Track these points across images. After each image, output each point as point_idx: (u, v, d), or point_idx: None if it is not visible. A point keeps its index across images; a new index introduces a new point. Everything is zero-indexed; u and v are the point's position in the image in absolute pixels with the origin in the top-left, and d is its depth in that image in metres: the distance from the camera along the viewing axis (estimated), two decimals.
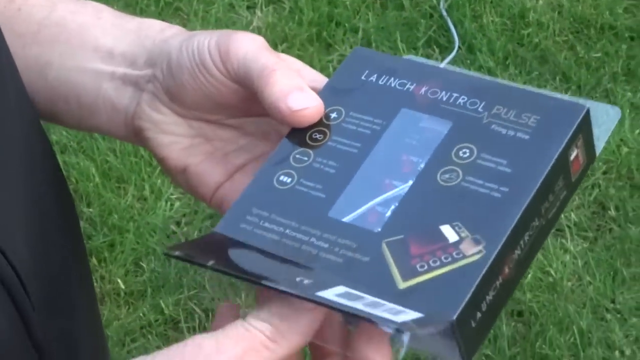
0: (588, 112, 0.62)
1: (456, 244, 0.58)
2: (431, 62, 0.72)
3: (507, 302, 0.60)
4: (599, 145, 0.64)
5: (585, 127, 0.62)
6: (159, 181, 2.22)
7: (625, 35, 2.48)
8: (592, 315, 2.01)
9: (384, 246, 0.59)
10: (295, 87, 0.65)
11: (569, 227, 2.14)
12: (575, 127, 0.61)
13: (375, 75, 0.68)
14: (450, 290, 0.56)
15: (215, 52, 0.67)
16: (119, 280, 2.10)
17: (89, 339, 0.76)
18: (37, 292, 0.64)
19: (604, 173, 2.23)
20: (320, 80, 0.69)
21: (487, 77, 0.69)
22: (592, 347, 1.97)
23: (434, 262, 0.58)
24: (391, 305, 0.56)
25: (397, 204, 0.61)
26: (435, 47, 2.47)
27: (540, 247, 0.62)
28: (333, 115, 0.66)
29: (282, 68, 0.66)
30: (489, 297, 0.58)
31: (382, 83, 0.67)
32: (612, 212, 2.17)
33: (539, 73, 2.41)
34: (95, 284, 2.08)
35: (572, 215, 2.16)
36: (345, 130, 0.66)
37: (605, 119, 0.66)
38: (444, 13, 2.53)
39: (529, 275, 2.04)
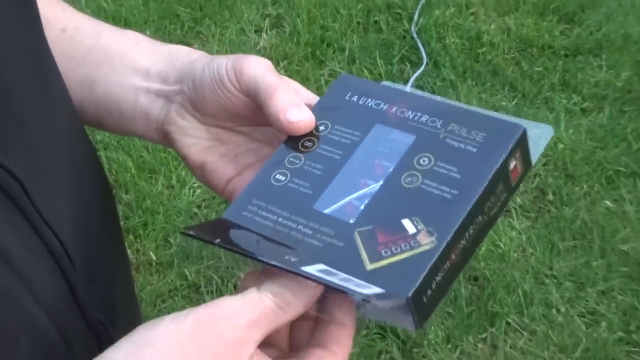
0: (524, 131, 0.63)
1: (414, 235, 0.59)
2: (401, 87, 0.73)
3: (454, 281, 0.61)
4: (535, 156, 0.65)
5: (522, 143, 0.63)
6: (184, 173, 2.22)
7: (561, 53, 2.48)
8: (533, 280, 2.02)
9: (356, 234, 0.60)
10: (293, 103, 0.67)
11: (515, 208, 2.15)
12: (513, 143, 0.62)
13: (356, 97, 0.69)
14: (408, 273, 0.57)
15: (232, 72, 0.68)
16: (151, 253, 2.10)
17: (124, 302, 0.76)
18: (80, 263, 0.64)
19: (544, 165, 2.23)
20: (313, 98, 0.70)
21: (447, 101, 0.70)
22: (534, 306, 1.98)
23: (396, 249, 0.59)
24: (359, 281, 0.57)
25: (369, 200, 0.62)
26: (407, 63, 2.47)
27: (483, 238, 0.62)
28: (321, 127, 0.67)
29: (283, 87, 0.67)
30: (438, 278, 0.58)
31: (362, 103, 0.68)
32: (550, 197, 2.18)
33: (492, 84, 2.42)
34: (131, 256, 2.08)
35: (518, 199, 2.17)
36: (330, 140, 0.67)
37: (540, 137, 0.67)
38: (415, 35, 2.53)
39: (483, 248, 2.05)
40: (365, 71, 2.41)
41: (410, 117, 0.66)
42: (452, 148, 0.63)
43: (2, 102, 0.59)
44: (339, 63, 2.46)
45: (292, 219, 0.63)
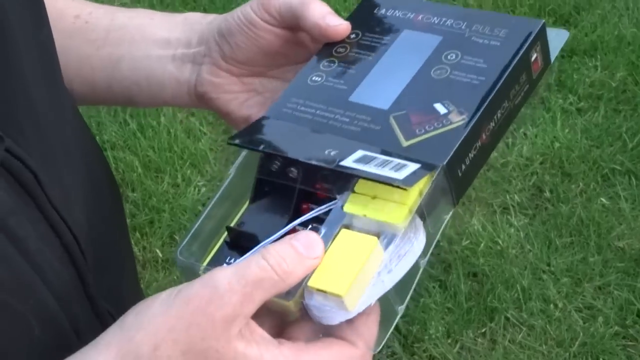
0: (544, 24, 0.66)
1: (445, 115, 0.62)
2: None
3: (485, 163, 0.64)
4: (552, 56, 0.68)
5: (541, 36, 0.66)
6: (189, 172, 2.22)
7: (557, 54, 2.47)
8: (531, 275, 2.01)
9: (391, 118, 0.63)
10: (329, 12, 0.69)
11: (513, 206, 2.14)
12: (534, 35, 0.65)
13: (383, 10, 0.71)
14: (442, 145, 0.60)
15: (259, 8, 0.70)
16: (157, 250, 2.09)
17: (132, 294, 0.76)
18: (91, 255, 0.64)
19: (541, 163, 2.23)
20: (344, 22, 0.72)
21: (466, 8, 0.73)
22: (532, 301, 1.97)
23: (429, 127, 0.61)
24: (397, 160, 0.59)
25: (401, 90, 0.64)
26: None
27: (509, 126, 0.65)
28: (352, 35, 0.70)
29: (315, 0, 0.69)
30: (471, 155, 0.61)
31: (389, 14, 0.71)
32: (547, 194, 2.17)
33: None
34: (138, 253, 2.08)
35: (516, 196, 2.16)
36: (362, 44, 0.69)
37: (556, 40, 0.70)
38: None
39: (482, 245, 2.04)
40: None
41: (436, 22, 0.69)
42: (478, 44, 0.66)
43: (20, 95, 0.59)
44: None
45: (329, 110, 0.65)
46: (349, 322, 0.56)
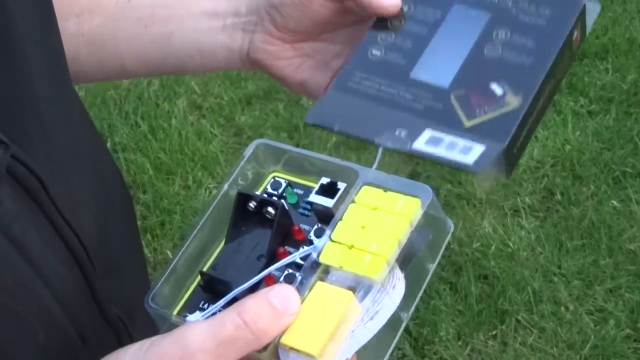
0: (584, 5, 0.68)
1: (502, 96, 0.63)
2: None
3: (533, 134, 0.66)
4: (588, 26, 0.70)
5: (582, 15, 0.68)
6: (200, 174, 2.21)
7: None
8: (542, 278, 2.00)
9: (452, 97, 0.64)
10: None
11: (524, 208, 2.13)
12: (577, 16, 0.67)
13: None
14: (501, 127, 0.62)
15: None
16: (168, 252, 2.09)
17: (141, 299, 0.76)
18: (100, 260, 0.64)
19: (552, 166, 2.22)
20: None
21: None
22: (543, 304, 1.96)
23: (488, 108, 0.63)
24: (463, 142, 0.61)
25: (458, 68, 0.66)
26: None
27: (552, 98, 0.68)
28: (405, 8, 0.71)
29: None
30: (524, 132, 0.64)
31: None
32: (558, 197, 2.16)
33: None
34: (149, 255, 2.07)
35: (527, 199, 2.15)
36: (415, 18, 0.71)
37: (590, 11, 0.72)
38: None
39: (493, 247, 2.03)
40: None
41: None
42: (525, 23, 0.67)
43: (27, 101, 0.59)
44: None
45: (393, 86, 0.66)
46: None
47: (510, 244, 2.04)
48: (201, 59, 0.77)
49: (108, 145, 2.26)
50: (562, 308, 1.95)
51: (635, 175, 2.18)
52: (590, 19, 0.70)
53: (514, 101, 0.63)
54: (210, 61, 0.77)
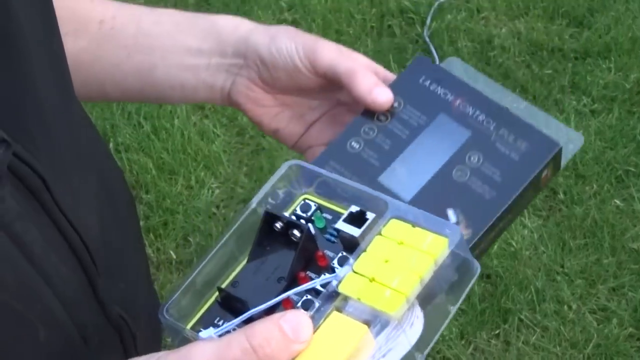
0: (560, 149, 0.69)
1: (455, 224, 0.64)
2: (472, 71, 0.77)
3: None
4: (563, 162, 0.71)
5: (556, 157, 0.69)
6: (202, 174, 2.21)
7: (570, 56, 2.46)
8: (545, 277, 1.99)
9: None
10: (375, 84, 0.71)
11: (526, 208, 2.13)
12: (549, 159, 0.68)
13: (428, 82, 0.73)
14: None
15: (305, 59, 0.72)
16: (171, 252, 2.09)
17: (145, 298, 0.76)
18: (103, 259, 0.64)
19: None
20: (389, 76, 0.75)
21: (508, 93, 0.75)
22: (546, 303, 1.95)
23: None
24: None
25: (423, 184, 0.68)
26: None
27: (508, 227, 0.70)
28: (395, 104, 0.72)
29: (361, 70, 0.71)
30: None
31: (432, 89, 0.73)
32: (561, 196, 2.16)
33: (503, 86, 2.39)
34: (152, 254, 2.07)
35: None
36: (401, 118, 0.72)
37: (570, 142, 0.72)
38: (427, 39, 2.52)
39: (495, 246, 2.03)
40: None
41: (470, 113, 0.71)
42: (499, 152, 0.69)
43: (30, 101, 0.59)
44: None
45: (359, 186, 0.66)
46: None
47: (513, 243, 2.04)
48: (182, 93, 0.78)
49: (111, 145, 2.26)
50: (565, 307, 1.94)
51: (638, 174, 2.18)
52: (571, 150, 0.71)
53: (464, 232, 0.64)
54: (191, 96, 0.78)
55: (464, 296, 0.58)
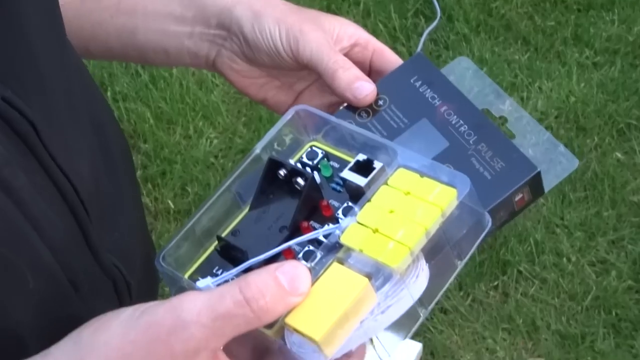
0: (538, 173, 0.65)
1: None
2: (479, 72, 0.74)
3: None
4: (552, 184, 0.68)
5: (533, 180, 0.65)
6: (201, 123, 2.20)
7: (573, 8, 2.42)
8: (545, 229, 1.99)
9: None
10: (355, 78, 0.68)
11: None
12: (522, 182, 0.64)
13: (419, 82, 0.69)
14: None
15: (288, 48, 0.70)
16: (169, 201, 2.07)
17: (141, 247, 0.74)
18: (94, 209, 0.62)
19: (556, 117, 2.19)
20: (395, 61, 0.72)
21: (510, 101, 0.72)
22: (545, 255, 1.95)
23: None
24: None
25: None
26: (421, 17, 2.42)
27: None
28: (380, 102, 0.69)
29: (343, 65, 0.68)
30: None
31: (421, 91, 0.69)
32: (562, 149, 2.14)
33: (505, 38, 2.36)
34: (149, 204, 2.06)
35: (530, 151, 2.12)
36: (382, 118, 0.68)
37: (564, 165, 0.70)
38: None
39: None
40: (380, 25, 2.37)
41: (453, 122, 0.67)
42: (472, 168, 0.64)
43: (21, 47, 0.58)
44: (354, 17, 2.41)
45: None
46: None
47: None
48: (166, 57, 0.76)
49: (108, 94, 2.23)
50: (564, 259, 1.94)
51: None
52: (563, 174, 0.68)
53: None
54: (175, 61, 0.77)
55: (473, 250, 0.56)
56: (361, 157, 0.58)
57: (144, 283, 0.72)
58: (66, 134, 0.62)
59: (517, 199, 0.64)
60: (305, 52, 0.69)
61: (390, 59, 0.72)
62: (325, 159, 0.61)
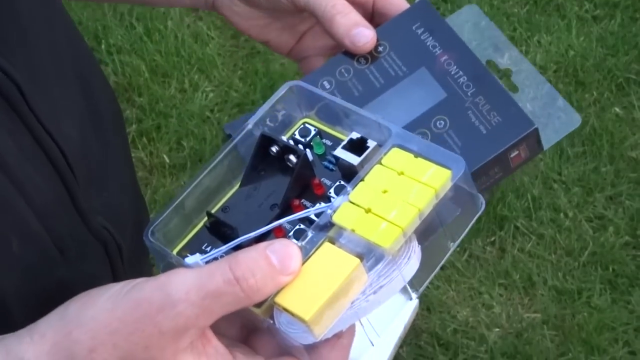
0: (535, 129, 0.63)
1: None
2: (486, 23, 0.70)
3: None
4: (551, 141, 0.65)
5: (530, 138, 0.63)
6: (197, 77, 2.17)
7: None
8: (542, 185, 1.97)
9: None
10: (354, 24, 0.65)
11: None
12: (518, 139, 0.62)
13: (421, 29, 0.67)
14: None
15: None
16: (165, 156, 2.05)
17: (132, 208, 0.73)
18: (82, 171, 0.60)
19: (555, 72, 2.17)
20: (400, 4, 0.69)
21: (516, 52, 0.69)
22: (542, 210, 1.94)
23: None
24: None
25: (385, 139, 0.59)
26: None
27: None
28: (380, 48, 0.66)
29: (339, 11, 0.65)
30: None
31: (423, 38, 0.67)
32: (560, 103, 2.12)
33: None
34: (145, 158, 2.04)
35: (528, 105, 2.10)
36: (381, 65, 0.66)
37: (565, 121, 0.67)
38: None
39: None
40: None
41: (453, 72, 0.65)
42: (468, 121, 0.62)
43: (7, 7, 0.56)
44: None
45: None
46: (315, 346, 0.51)
47: None
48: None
49: (102, 47, 2.20)
50: (562, 215, 1.93)
51: (639, 82, 2.14)
52: (563, 131, 0.65)
53: None
54: (176, 1, 0.76)
55: (465, 232, 0.56)
56: (355, 135, 0.57)
57: (135, 245, 0.71)
58: (52, 92, 0.60)
59: (512, 155, 0.62)
60: None
61: (395, 1, 0.69)
62: (318, 136, 0.60)
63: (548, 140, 0.65)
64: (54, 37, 0.62)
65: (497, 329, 1.80)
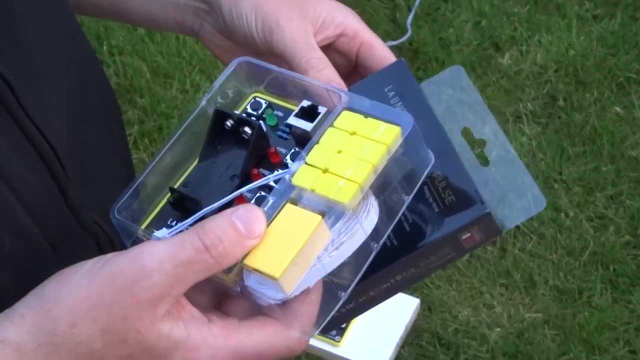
0: (489, 214, 0.61)
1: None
2: (469, 87, 0.70)
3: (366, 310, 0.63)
4: (516, 221, 0.63)
5: (483, 221, 0.61)
6: (198, 77, 2.17)
7: None
8: (543, 184, 1.97)
9: None
10: (327, 81, 0.64)
11: (525, 114, 2.09)
12: (468, 222, 0.61)
13: (392, 93, 0.67)
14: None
15: (262, 37, 0.67)
16: None
17: None
18: (73, 167, 0.60)
19: (555, 71, 2.16)
20: (384, 57, 0.68)
21: (493, 123, 0.69)
22: (543, 210, 1.93)
23: None
24: None
25: None
26: None
27: (419, 280, 0.63)
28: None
29: (313, 66, 0.65)
30: (349, 305, 0.62)
31: (392, 102, 0.66)
32: (561, 103, 2.12)
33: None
34: (147, 159, 2.04)
35: (529, 105, 2.10)
36: None
37: (530, 202, 0.65)
38: None
39: (494, 153, 1.99)
40: None
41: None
42: (422, 196, 0.62)
43: None
44: None
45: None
46: (286, 303, 0.53)
47: (511, 151, 2.00)
48: (155, 24, 0.76)
49: (104, 48, 2.20)
50: (562, 214, 1.92)
51: (639, 81, 2.13)
52: (527, 214, 0.64)
53: (346, 276, 0.57)
54: (164, 27, 0.76)
55: (418, 185, 0.58)
56: (305, 103, 0.59)
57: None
58: (44, 90, 0.60)
59: (464, 237, 0.62)
60: (279, 45, 0.66)
61: (379, 54, 0.68)
62: (270, 108, 0.62)
63: (513, 219, 0.64)
64: (45, 30, 0.62)
65: (498, 329, 1.80)
